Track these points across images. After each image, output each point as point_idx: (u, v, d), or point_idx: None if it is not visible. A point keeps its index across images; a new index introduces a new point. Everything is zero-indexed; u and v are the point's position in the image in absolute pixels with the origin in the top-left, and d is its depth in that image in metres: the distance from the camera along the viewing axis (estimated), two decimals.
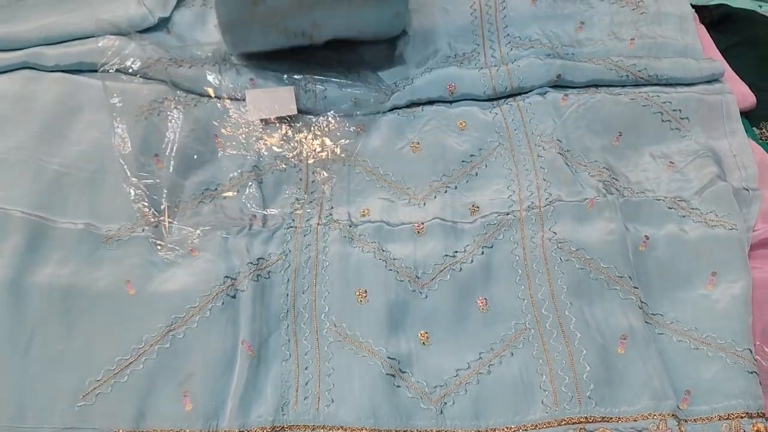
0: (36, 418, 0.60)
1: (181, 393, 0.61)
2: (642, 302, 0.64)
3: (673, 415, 0.58)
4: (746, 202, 0.72)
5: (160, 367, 0.62)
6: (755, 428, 0.58)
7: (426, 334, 0.65)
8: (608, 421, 0.59)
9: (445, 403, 0.62)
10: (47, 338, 0.63)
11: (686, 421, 0.59)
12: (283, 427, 0.60)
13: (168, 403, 0.61)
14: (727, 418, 0.59)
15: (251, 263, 0.68)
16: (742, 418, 0.59)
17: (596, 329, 0.63)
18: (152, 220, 0.70)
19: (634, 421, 0.59)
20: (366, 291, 0.66)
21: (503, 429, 0.60)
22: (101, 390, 0.61)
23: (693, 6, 0.91)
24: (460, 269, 0.68)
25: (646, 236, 0.69)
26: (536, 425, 0.60)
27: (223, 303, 0.65)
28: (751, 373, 0.60)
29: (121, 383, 0.62)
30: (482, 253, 0.69)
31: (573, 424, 0.59)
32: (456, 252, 0.70)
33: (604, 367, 0.61)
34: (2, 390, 0.60)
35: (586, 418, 0.59)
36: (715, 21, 0.87)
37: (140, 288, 0.67)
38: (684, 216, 0.69)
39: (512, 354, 0.64)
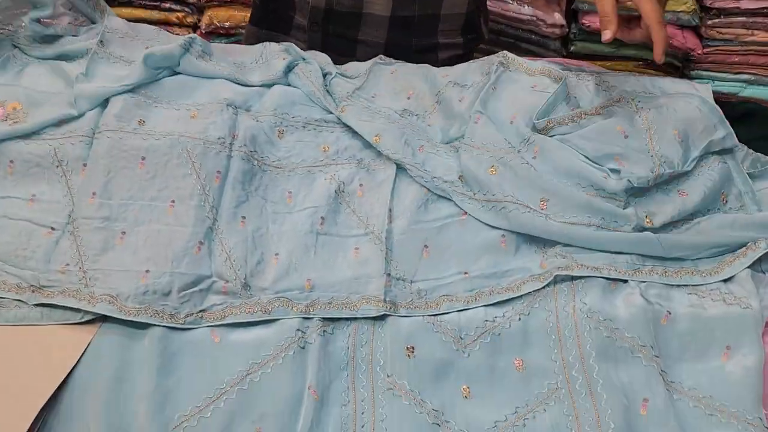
0: None
1: (254, 429, 0.66)
2: (662, 370, 0.68)
3: None
4: (764, 284, 0.75)
5: (238, 405, 0.68)
6: None
7: (468, 389, 0.70)
8: None
9: None
10: (146, 375, 0.69)
11: None
12: None
13: None
14: None
15: (320, 320, 0.74)
16: None
17: (621, 391, 0.67)
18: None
19: None
20: (414, 347, 0.72)
21: None
22: (188, 423, 0.66)
23: (717, 101, 0.93)
24: (499, 333, 0.73)
25: (668, 311, 0.73)
26: None
27: (294, 353, 0.71)
28: None
29: (205, 418, 0.67)
30: (519, 319, 0.74)
31: None
32: (496, 317, 0.75)
33: (627, 426, 0.65)
34: (104, 426, 0.65)
35: None
36: (738, 116, 0.92)
37: (223, 336, 0.73)
38: (704, 297, 0.74)
39: (545, 410, 0.68)
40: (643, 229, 0.78)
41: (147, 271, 0.75)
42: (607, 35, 0.76)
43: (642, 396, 0.66)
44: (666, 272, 0.76)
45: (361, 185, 0.86)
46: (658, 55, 0.76)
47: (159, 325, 0.72)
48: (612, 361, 0.69)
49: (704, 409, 0.66)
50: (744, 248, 0.76)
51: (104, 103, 0.89)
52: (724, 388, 0.66)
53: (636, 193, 0.80)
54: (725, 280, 0.75)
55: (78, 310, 0.72)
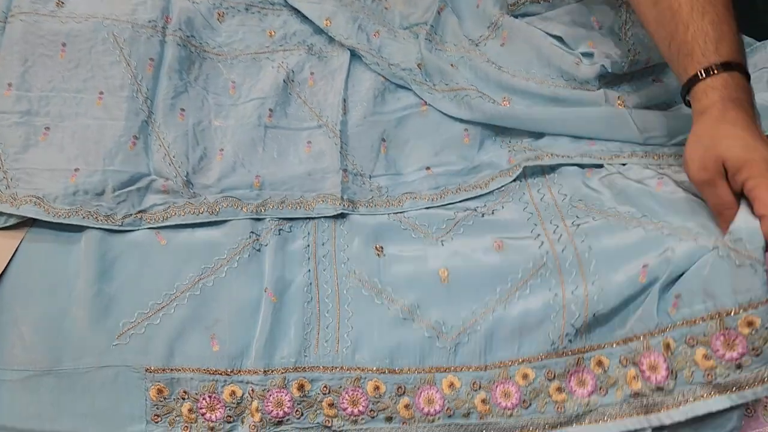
0: (72, 360, 0.61)
1: (208, 336, 0.63)
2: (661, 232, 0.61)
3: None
4: None
5: (190, 312, 0.64)
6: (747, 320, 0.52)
7: (446, 271, 0.65)
8: (602, 348, 0.61)
9: (460, 341, 0.63)
10: (84, 280, 0.63)
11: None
12: (304, 368, 0.62)
13: (196, 344, 0.62)
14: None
15: (274, 218, 0.69)
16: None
17: (612, 259, 0.61)
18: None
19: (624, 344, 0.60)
20: (383, 246, 0.67)
21: (507, 362, 0.62)
22: (135, 331, 0.62)
23: None
24: (472, 222, 0.68)
25: (662, 175, 0.66)
26: (539, 356, 0.61)
27: (249, 255, 0.66)
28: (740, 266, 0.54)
29: (153, 325, 0.62)
30: (492, 213, 0.69)
31: (572, 354, 0.61)
32: (467, 209, 0.70)
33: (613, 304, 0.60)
34: (41, 335, 0.61)
35: (585, 347, 0.61)
36: None
37: (170, 239, 0.67)
38: None
39: (529, 291, 0.63)
40: None
41: (76, 169, 0.68)
42: None
43: (642, 263, 0.59)
44: (646, 155, 0.70)
45: (312, 73, 0.79)
46: None
47: (95, 228, 0.66)
48: (599, 233, 0.63)
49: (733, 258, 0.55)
50: None
51: None
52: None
53: (609, 81, 0.75)
54: None
55: (1, 214, 0.65)
